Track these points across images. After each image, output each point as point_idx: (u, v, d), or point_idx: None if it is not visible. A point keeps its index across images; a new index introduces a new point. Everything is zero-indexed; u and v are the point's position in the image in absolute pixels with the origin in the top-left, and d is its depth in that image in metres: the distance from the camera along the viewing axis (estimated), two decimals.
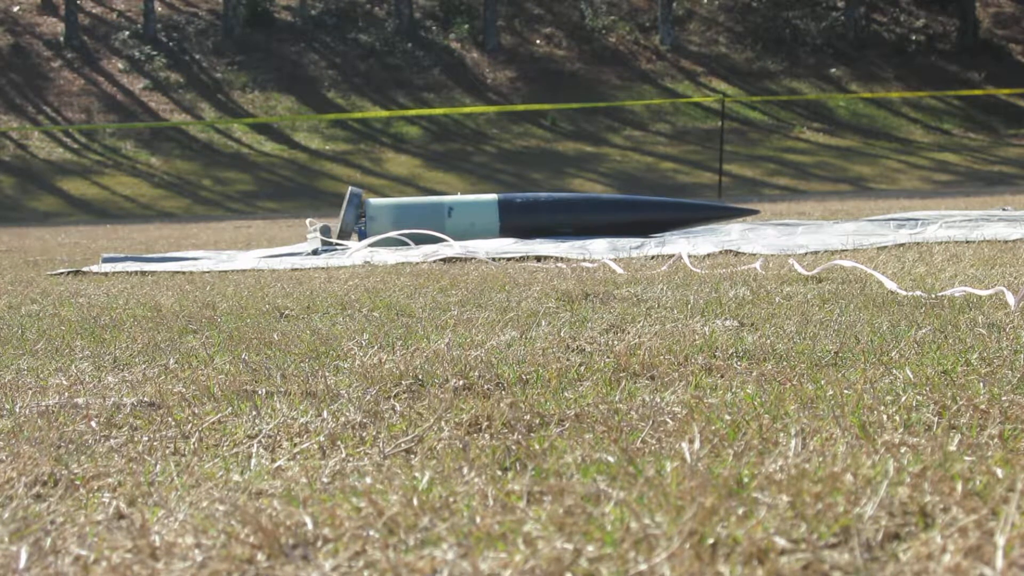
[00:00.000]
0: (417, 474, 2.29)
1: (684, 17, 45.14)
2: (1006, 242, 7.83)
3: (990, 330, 3.72)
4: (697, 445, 2.35)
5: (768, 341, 3.69)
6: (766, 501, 1.98)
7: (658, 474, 2.17)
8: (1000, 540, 1.75)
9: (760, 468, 2.15)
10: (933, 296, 4.70)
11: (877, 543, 1.84)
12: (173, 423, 2.86)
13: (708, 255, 7.60)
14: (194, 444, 2.67)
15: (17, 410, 3.06)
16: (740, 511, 1.94)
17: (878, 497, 1.95)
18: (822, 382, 2.98)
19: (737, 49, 43.98)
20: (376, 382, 3.22)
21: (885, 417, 2.56)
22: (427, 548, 1.90)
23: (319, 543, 1.95)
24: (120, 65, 41.27)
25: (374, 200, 10.18)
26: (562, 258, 7.82)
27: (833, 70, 43.07)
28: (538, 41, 43.92)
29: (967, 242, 7.93)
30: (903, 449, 2.29)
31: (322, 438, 2.63)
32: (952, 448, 2.26)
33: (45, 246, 14.14)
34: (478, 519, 2.00)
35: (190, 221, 25.83)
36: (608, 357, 3.48)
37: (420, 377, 3.25)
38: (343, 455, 2.51)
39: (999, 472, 2.08)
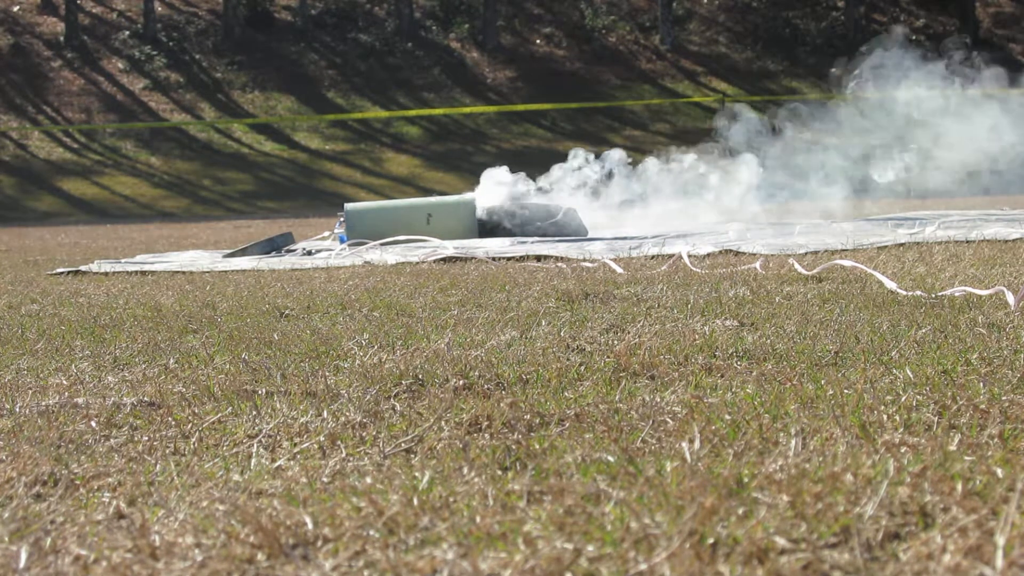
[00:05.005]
0: (417, 474, 2.29)
1: (684, 17, 45.14)
2: (1006, 242, 7.83)
3: (990, 330, 3.72)
4: (697, 445, 2.35)
5: (768, 341, 3.69)
6: (766, 501, 1.98)
7: (658, 474, 2.17)
8: (1000, 540, 1.75)
9: (760, 468, 2.15)
10: (933, 296, 4.69)
11: (877, 543, 1.84)
12: (173, 423, 2.86)
13: (708, 255, 7.60)
14: (194, 444, 2.67)
15: (17, 410, 3.06)
16: (740, 511, 1.94)
17: (878, 497, 1.95)
18: (822, 382, 2.98)
19: (737, 49, 43.98)
20: (376, 382, 3.22)
21: (885, 417, 2.56)
22: (427, 548, 1.90)
23: (319, 543, 1.95)
24: (120, 65, 41.26)
25: (351, 205, 10.35)
26: (562, 258, 7.82)
27: (833, 70, 43.09)
28: (538, 41, 43.91)
29: (967, 242, 7.93)
30: (903, 449, 2.29)
31: (322, 438, 2.63)
32: (952, 448, 2.26)
33: (45, 246, 14.14)
34: (478, 519, 2.00)
35: (190, 221, 25.83)
36: (608, 357, 3.48)
37: (420, 377, 3.25)
38: (343, 455, 2.51)
39: (999, 472, 2.08)
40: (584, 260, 7.50)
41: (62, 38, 41.73)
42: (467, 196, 10.61)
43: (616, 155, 11.21)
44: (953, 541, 1.80)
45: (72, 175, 35.46)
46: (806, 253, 7.61)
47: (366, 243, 9.52)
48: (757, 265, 6.40)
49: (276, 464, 2.46)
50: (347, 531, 1.98)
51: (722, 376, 3.17)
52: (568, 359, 3.50)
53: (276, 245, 9.80)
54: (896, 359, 3.29)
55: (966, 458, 2.18)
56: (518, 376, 3.24)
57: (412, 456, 2.48)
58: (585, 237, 9.95)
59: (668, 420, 2.63)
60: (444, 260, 7.94)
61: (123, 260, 9.55)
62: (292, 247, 9.86)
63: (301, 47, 42.69)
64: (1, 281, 7.77)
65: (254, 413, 2.91)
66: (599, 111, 39.56)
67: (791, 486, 2.02)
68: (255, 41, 42.75)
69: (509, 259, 7.89)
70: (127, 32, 42.41)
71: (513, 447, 2.45)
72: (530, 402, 2.88)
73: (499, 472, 2.30)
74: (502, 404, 2.81)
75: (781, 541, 1.82)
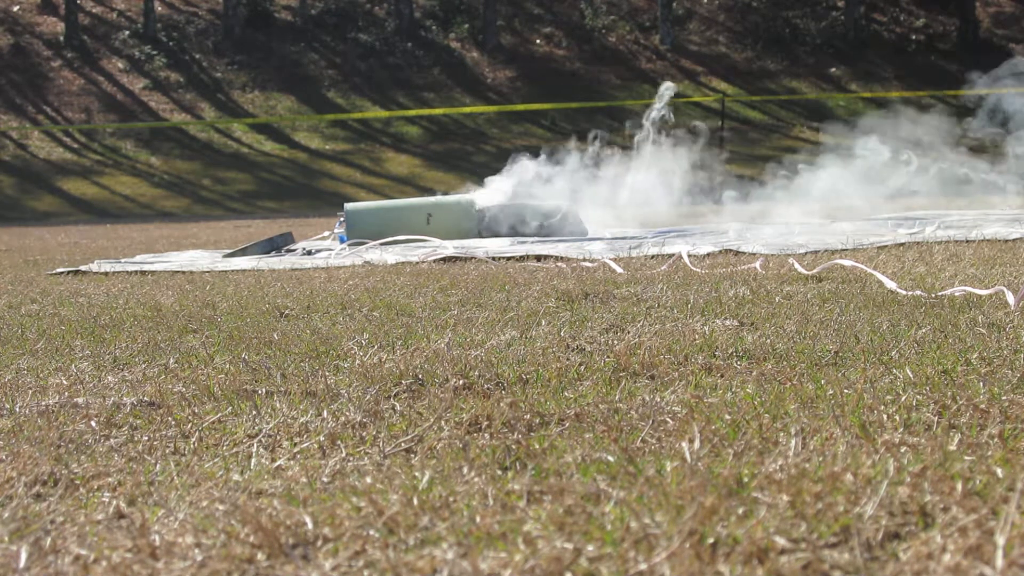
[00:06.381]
0: (417, 474, 2.29)
1: (684, 17, 45.13)
2: (1006, 241, 7.83)
3: (990, 330, 3.72)
4: (697, 445, 2.35)
5: (768, 341, 3.69)
6: (766, 501, 1.98)
7: (658, 474, 2.17)
8: (1000, 540, 1.75)
9: (760, 468, 2.15)
10: (933, 296, 4.69)
11: (877, 543, 1.84)
12: (173, 423, 2.86)
13: (708, 255, 7.60)
14: (194, 444, 2.67)
15: (17, 410, 3.06)
16: (740, 511, 1.94)
17: (878, 497, 1.95)
18: (822, 382, 2.98)
19: (737, 49, 43.97)
20: (376, 382, 3.22)
21: (885, 417, 2.56)
22: (427, 548, 1.90)
23: (319, 543, 1.95)
24: (120, 65, 41.25)
25: (351, 205, 10.36)
26: (562, 258, 7.82)
27: (833, 70, 43.07)
28: (538, 41, 43.91)
29: (967, 242, 7.93)
30: (903, 449, 2.29)
31: (322, 438, 2.63)
32: (952, 448, 2.26)
33: (45, 246, 14.14)
34: (478, 519, 2.00)
35: (190, 221, 25.83)
36: (608, 357, 3.48)
37: (420, 377, 3.25)
38: (343, 455, 2.51)
39: (999, 472, 2.08)
40: (584, 260, 7.50)
41: (62, 38, 41.72)
42: (467, 196, 10.62)
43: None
44: (953, 541, 1.80)
45: (72, 175, 35.46)
46: (806, 253, 7.61)
47: (366, 243, 9.53)
48: (757, 265, 6.40)
49: (276, 464, 2.46)
50: (347, 531, 1.98)
51: (722, 376, 3.17)
52: (568, 359, 3.50)
53: (276, 245, 9.80)
54: (896, 359, 3.28)
55: (966, 458, 2.18)
56: (518, 376, 3.24)
57: (412, 456, 2.48)
58: (585, 237, 9.95)
59: (668, 420, 2.63)
60: (444, 260, 7.94)
61: (123, 260, 9.55)
62: (292, 247, 9.86)
63: (301, 47, 42.69)
64: (1, 281, 7.77)
65: (254, 413, 2.91)
66: (599, 111, 39.55)
67: (791, 486, 2.02)
68: (255, 41, 42.75)
69: (509, 259, 7.89)
70: (127, 32, 42.41)
71: (513, 447, 2.45)
72: (530, 402, 2.88)
73: (499, 472, 2.30)
74: (502, 404, 2.81)
75: (781, 541, 1.82)
